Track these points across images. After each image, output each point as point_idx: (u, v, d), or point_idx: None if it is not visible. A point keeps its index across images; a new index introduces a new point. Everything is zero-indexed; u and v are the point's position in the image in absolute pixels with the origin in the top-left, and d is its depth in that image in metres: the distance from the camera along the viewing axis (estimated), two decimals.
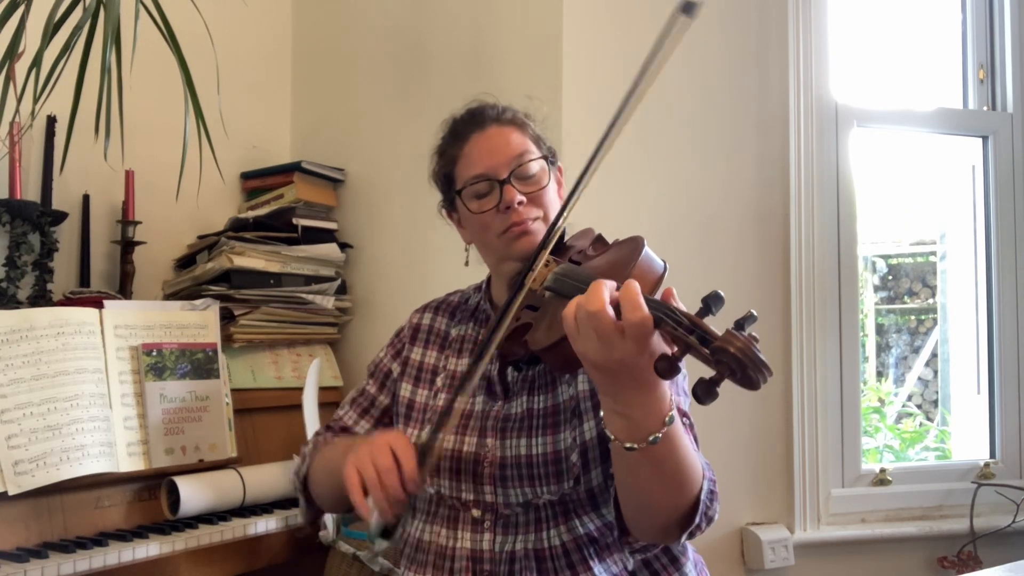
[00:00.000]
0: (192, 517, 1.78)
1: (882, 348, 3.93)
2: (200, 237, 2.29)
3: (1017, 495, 2.32)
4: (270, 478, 1.93)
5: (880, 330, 3.93)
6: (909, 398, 3.77)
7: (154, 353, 1.85)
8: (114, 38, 1.63)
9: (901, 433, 3.22)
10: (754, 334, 0.94)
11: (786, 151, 2.21)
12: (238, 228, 2.25)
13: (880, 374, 3.86)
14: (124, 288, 2.17)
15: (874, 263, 3.94)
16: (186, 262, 2.31)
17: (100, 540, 1.62)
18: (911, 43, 2.69)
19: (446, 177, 1.42)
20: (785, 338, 2.18)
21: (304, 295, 2.27)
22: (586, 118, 2.04)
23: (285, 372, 2.21)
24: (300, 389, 2.05)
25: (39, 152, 2.08)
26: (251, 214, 2.32)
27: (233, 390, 2.00)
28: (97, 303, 1.84)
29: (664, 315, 0.99)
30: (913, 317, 4.05)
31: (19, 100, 1.62)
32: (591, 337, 1.01)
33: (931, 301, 3.90)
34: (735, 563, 2.13)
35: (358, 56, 2.49)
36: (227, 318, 2.10)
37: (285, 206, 2.34)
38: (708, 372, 0.96)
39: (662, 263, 1.18)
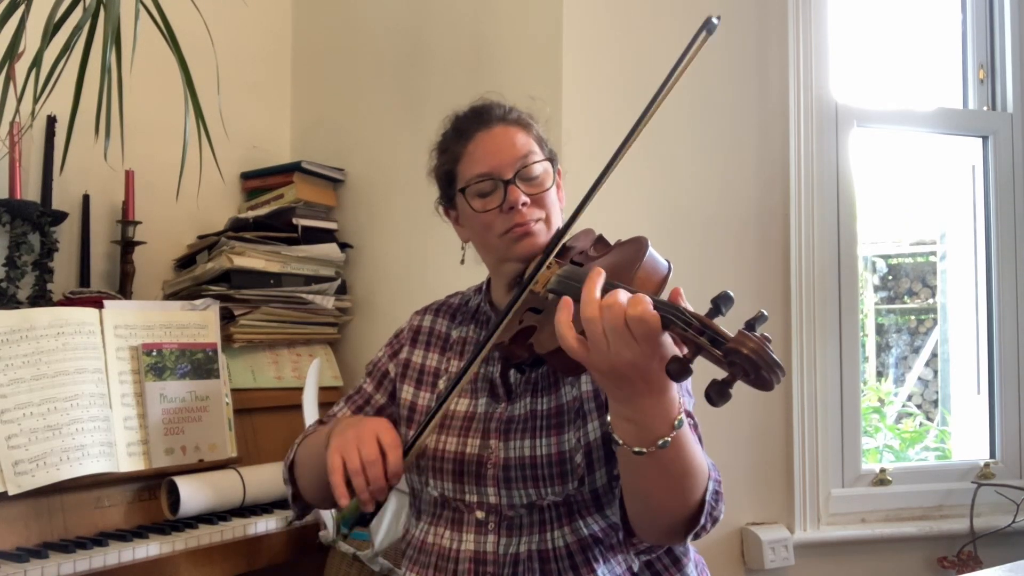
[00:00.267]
0: (192, 517, 1.78)
1: (882, 348, 3.93)
2: (200, 237, 2.29)
3: (1017, 495, 2.32)
4: (270, 478, 1.93)
5: (880, 330, 3.93)
6: (909, 398, 3.77)
7: (154, 353, 1.85)
8: (114, 38, 1.63)
9: (901, 433, 3.22)
10: (767, 334, 0.94)
11: (786, 151, 2.21)
12: (238, 228, 2.25)
13: (880, 374, 3.86)
14: (124, 288, 2.17)
15: (874, 263, 3.94)
16: (186, 262, 2.31)
17: (100, 540, 1.62)
18: (911, 43, 2.69)
19: (447, 174, 1.41)
20: (785, 338, 2.18)
21: (304, 295, 2.27)
22: (586, 118, 2.04)
23: (285, 372, 2.21)
24: (300, 389, 2.05)
25: (39, 152, 2.08)
26: (251, 214, 2.32)
27: (233, 390, 2.00)
28: (97, 303, 1.84)
29: (673, 316, 0.98)
30: (913, 317, 4.05)
31: (19, 100, 1.62)
32: (601, 341, 1.00)
33: (931, 301, 3.90)
34: (735, 563, 2.13)
35: (358, 56, 2.49)
36: (227, 318, 2.10)
37: (285, 206, 2.34)
38: (718, 373, 0.95)
39: (666, 263, 1.18)
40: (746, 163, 2.19)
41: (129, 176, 2.15)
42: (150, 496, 1.80)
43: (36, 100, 1.61)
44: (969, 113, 2.49)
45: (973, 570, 1.92)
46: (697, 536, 1.17)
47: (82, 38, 1.66)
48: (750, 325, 0.94)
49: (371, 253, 2.43)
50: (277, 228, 2.29)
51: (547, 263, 1.26)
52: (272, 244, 2.23)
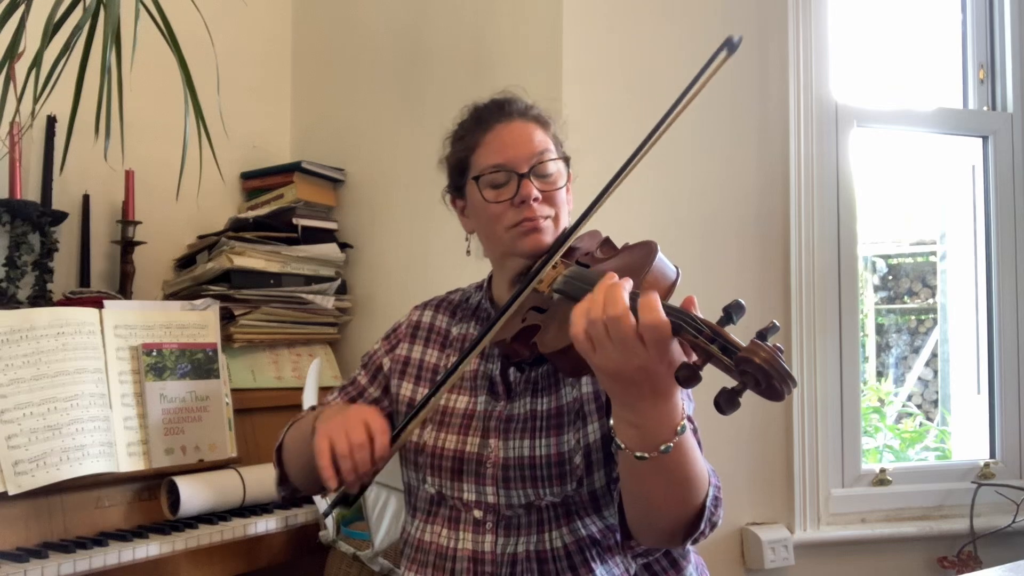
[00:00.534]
0: (192, 517, 1.78)
1: (882, 348, 3.93)
2: (200, 237, 2.29)
3: (1017, 495, 2.32)
4: (270, 478, 1.91)
5: (880, 330, 3.93)
6: (909, 398, 3.78)
7: (154, 353, 1.85)
8: (114, 38, 1.63)
9: (901, 433, 3.22)
10: (779, 345, 0.94)
11: (786, 151, 2.21)
12: (238, 228, 2.25)
13: (880, 374, 3.87)
14: (124, 288, 2.17)
15: (874, 263, 3.94)
16: (186, 262, 2.31)
17: (100, 540, 1.62)
18: (911, 43, 2.69)
19: (461, 162, 1.40)
20: (785, 338, 2.18)
21: (304, 295, 2.27)
22: (586, 118, 2.04)
23: (285, 372, 2.21)
24: (300, 389, 2.05)
25: (39, 152, 2.08)
26: (251, 214, 2.32)
27: (233, 390, 2.00)
28: (97, 303, 1.84)
29: (684, 323, 0.98)
30: (913, 317, 4.05)
31: (19, 100, 1.62)
32: (607, 344, 1.00)
33: (931, 301, 3.90)
34: (735, 563, 2.13)
35: (358, 56, 2.49)
36: (227, 318, 2.10)
37: (285, 206, 2.34)
38: (725, 381, 0.95)
39: (675, 269, 1.18)
40: (746, 163, 2.19)
41: (129, 176, 2.15)
42: (150, 496, 1.80)
43: (36, 100, 1.61)
44: (969, 113, 2.49)
45: (973, 570, 1.92)
46: (696, 541, 1.17)
47: (82, 38, 1.66)
48: (762, 335, 0.94)
49: (371, 253, 2.43)
50: (277, 228, 2.29)
51: (553, 262, 1.26)
52: (272, 244, 2.23)
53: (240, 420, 2.00)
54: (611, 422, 1.08)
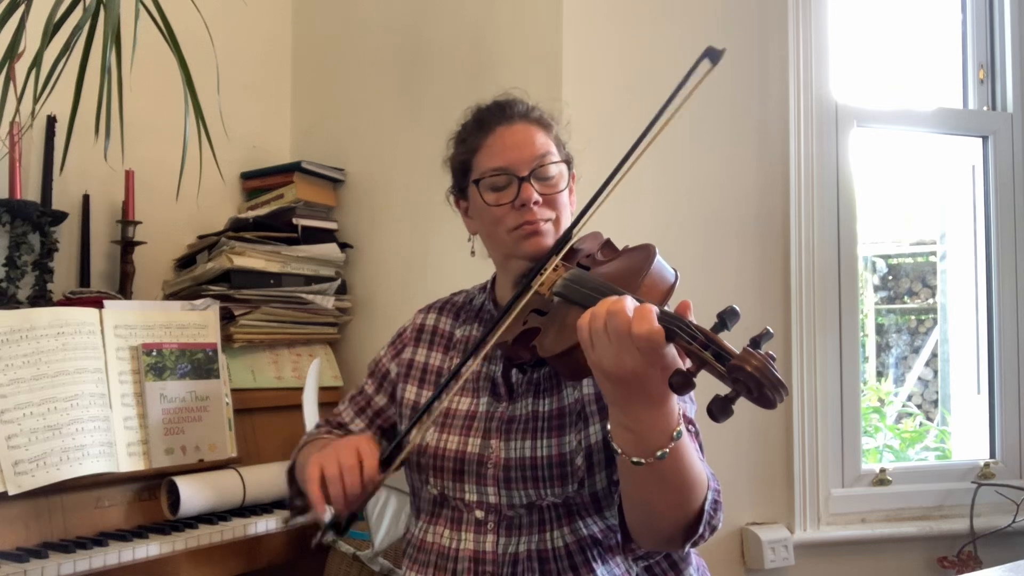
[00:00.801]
0: (192, 517, 1.78)
1: (882, 348, 3.93)
2: (200, 237, 2.29)
3: (1017, 495, 2.32)
4: (270, 478, 1.93)
5: (880, 330, 3.93)
6: (909, 398, 3.78)
7: (154, 353, 1.85)
8: (114, 38, 1.63)
9: (901, 433, 3.22)
10: (771, 352, 0.94)
11: (786, 151, 2.21)
12: (238, 228, 2.25)
13: (880, 374, 3.87)
14: (124, 288, 2.17)
15: (874, 263, 3.94)
16: (186, 262, 2.31)
17: (100, 540, 1.62)
18: (911, 43, 2.69)
19: (463, 164, 1.41)
20: (785, 338, 2.18)
21: (304, 295, 2.27)
22: (586, 118, 2.03)
23: (285, 372, 2.21)
24: (300, 389, 2.05)
25: (39, 152, 2.08)
26: (251, 214, 2.32)
27: (233, 390, 2.00)
28: (97, 303, 1.84)
29: (678, 329, 0.98)
30: (913, 317, 4.05)
31: (19, 100, 1.62)
32: (606, 346, 1.00)
33: (931, 301, 3.90)
34: (735, 563, 2.13)
35: (358, 56, 2.49)
36: (227, 318, 2.10)
37: (285, 206, 2.34)
38: (721, 387, 0.95)
39: (673, 272, 1.18)
40: (746, 163, 2.19)
41: (129, 176, 2.15)
42: (150, 496, 1.80)
43: (36, 100, 1.61)
44: (969, 113, 2.49)
45: (973, 570, 1.92)
46: (695, 544, 1.17)
47: (82, 38, 1.66)
48: (755, 342, 0.94)
49: (371, 253, 2.43)
50: (277, 228, 2.29)
51: (554, 265, 1.26)
52: (272, 244, 2.23)
53: (240, 420, 2.00)
54: (609, 427, 1.09)
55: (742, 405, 0.97)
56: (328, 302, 2.32)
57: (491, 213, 1.34)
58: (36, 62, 1.57)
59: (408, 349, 1.48)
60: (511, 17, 2.17)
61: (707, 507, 1.13)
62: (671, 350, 1.00)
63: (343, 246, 2.41)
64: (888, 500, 2.27)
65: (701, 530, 1.13)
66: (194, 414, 1.88)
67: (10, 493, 1.55)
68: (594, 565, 1.26)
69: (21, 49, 1.62)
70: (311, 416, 2.01)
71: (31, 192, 2.05)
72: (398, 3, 2.41)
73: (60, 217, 2.06)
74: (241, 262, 2.15)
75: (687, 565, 1.35)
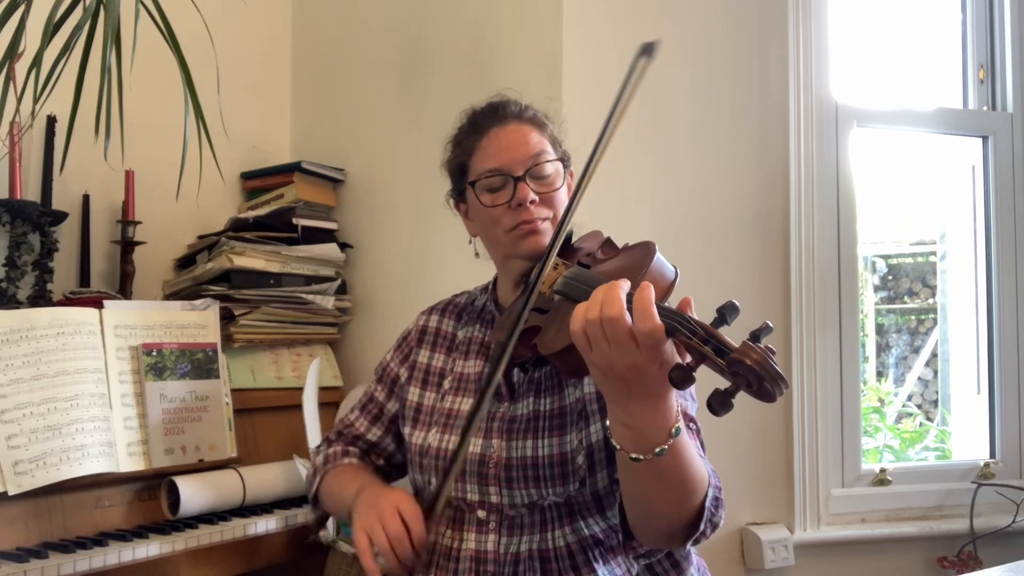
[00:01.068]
0: (192, 517, 1.78)
1: (882, 348, 3.93)
2: (200, 237, 2.29)
3: (1017, 495, 2.32)
4: (270, 478, 1.93)
5: (880, 330, 3.93)
6: (909, 398, 3.78)
7: (154, 353, 1.85)
8: (114, 38, 1.63)
9: (901, 433, 3.22)
10: (770, 346, 0.94)
11: (786, 151, 2.21)
12: (238, 228, 2.25)
13: (880, 374, 3.87)
14: (124, 288, 2.17)
15: (874, 263, 3.94)
16: (186, 262, 2.31)
17: (100, 540, 1.62)
18: (911, 43, 2.69)
19: (460, 167, 1.41)
20: (785, 338, 2.18)
21: (304, 295, 2.27)
22: (586, 118, 2.03)
23: (285, 372, 2.21)
24: (300, 389, 2.05)
25: (39, 152, 2.08)
26: (251, 214, 2.32)
27: (233, 390, 2.00)
28: (97, 303, 1.84)
29: (678, 324, 0.98)
30: (913, 317, 4.05)
31: (19, 100, 1.62)
32: (602, 342, 1.00)
33: (931, 301, 3.90)
34: (735, 563, 2.13)
35: (358, 56, 2.49)
36: (227, 318, 2.10)
37: (285, 206, 2.34)
38: (721, 382, 0.95)
39: (673, 269, 1.18)
40: (746, 163, 2.19)
41: (129, 176, 2.15)
42: (150, 496, 1.80)
43: (36, 100, 1.61)
44: (969, 113, 2.49)
45: (973, 570, 1.92)
46: (697, 542, 1.17)
47: (82, 38, 1.66)
48: (755, 336, 0.95)
49: (371, 253, 2.43)
50: (277, 228, 2.29)
51: (554, 264, 1.26)
52: (272, 244, 2.23)
53: (240, 420, 2.00)
54: (607, 423, 1.09)
55: (742, 406, 0.97)
56: (328, 302, 2.32)
57: (488, 214, 1.35)
58: (36, 62, 1.57)
59: (414, 351, 1.49)
60: (511, 17, 2.17)
61: (708, 504, 1.13)
62: (669, 346, 1.00)
63: (343, 246, 2.41)
64: (888, 500, 2.27)
65: (702, 527, 1.14)
66: (194, 414, 1.88)
67: (10, 493, 1.55)
68: (595, 565, 1.27)
69: (21, 49, 1.62)
70: (311, 416, 2.01)
71: (31, 192, 2.05)
72: (398, 3, 2.41)
73: (60, 217, 2.06)
74: (241, 262, 2.15)
75: (689, 564, 1.35)
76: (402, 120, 2.36)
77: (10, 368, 1.62)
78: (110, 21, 1.61)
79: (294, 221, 2.31)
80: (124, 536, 1.66)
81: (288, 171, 2.39)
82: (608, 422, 1.08)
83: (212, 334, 1.97)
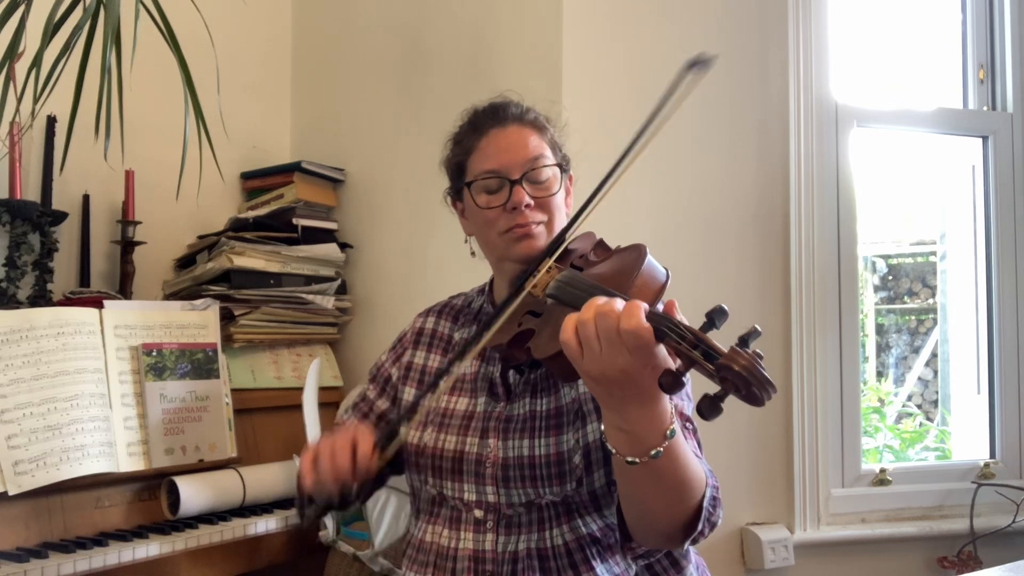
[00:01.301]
0: (192, 517, 1.78)
1: (882, 348, 3.93)
2: (200, 237, 2.29)
3: (1017, 495, 2.32)
4: (270, 478, 1.93)
5: (880, 330, 3.93)
6: (909, 398, 3.78)
7: (154, 353, 1.85)
8: (114, 38, 1.63)
9: (901, 433, 3.22)
10: (758, 351, 0.94)
11: (786, 151, 2.21)
12: (238, 228, 2.25)
13: (880, 374, 3.87)
14: (124, 288, 2.17)
15: (874, 263, 3.94)
16: (186, 262, 2.31)
17: (100, 540, 1.62)
18: (911, 43, 2.69)
19: (458, 166, 1.41)
20: (785, 338, 2.18)
21: (304, 295, 2.27)
22: (585, 118, 2.04)
23: (285, 372, 2.21)
24: (300, 389, 2.05)
25: (39, 152, 2.08)
26: (251, 214, 2.32)
27: (233, 390, 2.00)
28: (97, 303, 1.84)
29: (667, 329, 0.98)
30: (913, 317, 4.05)
31: (19, 100, 1.62)
32: (594, 343, 1.01)
33: (931, 301, 3.90)
34: (735, 563, 2.13)
35: (358, 56, 2.49)
36: (227, 318, 2.10)
37: (285, 206, 2.34)
38: (712, 386, 0.95)
39: (664, 271, 1.18)
40: (746, 163, 2.19)
41: (129, 176, 2.15)
42: (150, 496, 1.80)
43: (36, 100, 1.61)
44: (969, 113, 2.49)
45: (973, 570, 1.92)
46: (695, 542, 1.17)
47: (82, 38, 1.66)
48: (743, 341, 0.95)
49: (371, 253, 2.43)
50: (277, 228, 2.29)
51: (547, 267, 1.26)
52: (272, 244, 2.23)
53: (240, 420, 2.00)
54: (602, 427, 1.09)
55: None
56: (328, 302, 2.32)
57: (483, 215, 1.35)
58: (36, 62, 1.57)
59: (408, 352, 1.49)
60: (511, 17, 2.17)
61: (706, 504, 1.13)
62: (661, 350, 1.01)
63: (343, 246, 2.41)
64: (888, 500, 2.27)
65: (700, 527, 1.14)
66: (194, 414, 1.88)
67: (10, 493, 1.55)
68: (593, 563, 1.27)
69: (21, 49, 1.62)
70: (311, 416, 2.01)
71: (31, 192, 2.05)
72: (398, 3, 2.41)
73: (60, 217, 2.06)
74: (241, 262, 2.15)
75: (687, 563, 1.35)
76: (402, 120, 2.36)
77: (10, 368, 1.62)
78: (110, 21, 1.61)
79: (294, 221, 2.31)
80: (124, 536, 1.66)
81: (288, 171, 2.39)
82: (603, 426, 1.09)
83: (212, 334, 1.97)
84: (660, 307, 1.06)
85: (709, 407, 0.94)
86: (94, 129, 1.63)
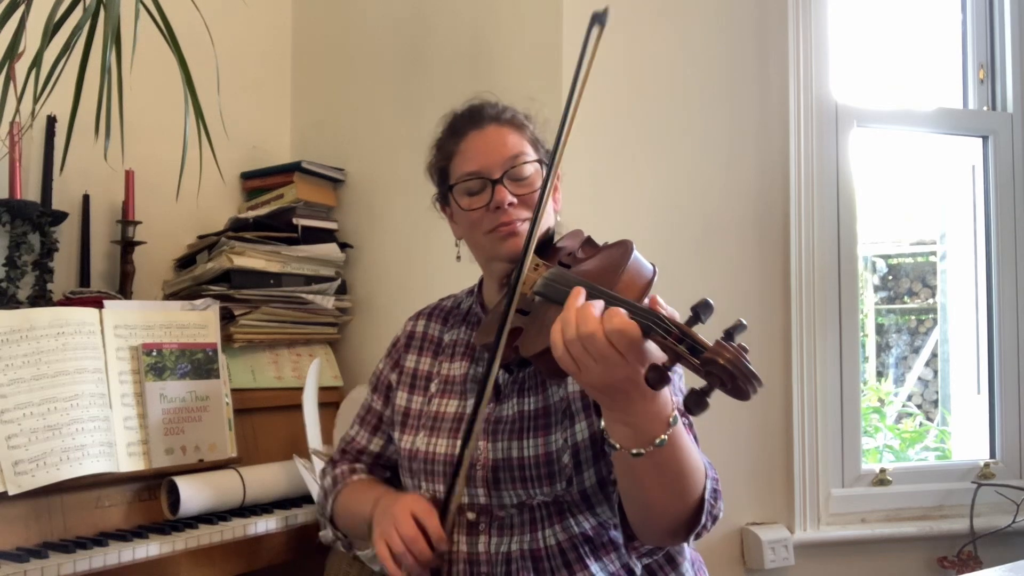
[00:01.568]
0: (192, 517, 1.78)
1: (882, 348, 3.93)
2: (200, 237, 2.29)
3: (1017, 495, 2.32)
4: (270, 478, 1.93)
5: (880, 330, 3.93)
6: (909, 398, 3.78)
7: (154, 353, 1.85)
8: (114, 38, 1.63)
9: (901, 433, 3.22)
10: (743, 344, 0.94)
11: (786, 151, 2.21)
12: (238, 228, 2.25)
13: (880, 374, 3.87)
14: (124, 288, 2.17)
15: (874, 263, 3.94)
16: (186, 262, 2.31)
17: (100, 540, 1.62)
18: (911, 43, 2.69)
19: (441, 171, 1.42)
20: (785, 338, 2.18)
21: (304, 295, 2.27)
22: (585, 118, 2.03)
23: (285, 372, 2.21)
24: (300, 389, 2.05)
25: (39, 152, 2.08)
26: (251, 214, 2.32)
27: (233, 390, 2.00)
28: (97, 303, 1.84)
29: (653, 324, 0.99)
30: (913, 317, 4.05)
31: (19, 100, 1.62)
32: (588, 360, 1.01)
33: (931, 301, 3.90)
34: (735, 563, 2.13)
35: (358, 55, 2.49)
36: (227, 318, 2.10)
37: (285, 206, 2.34)
38: (700, 381, 0.96)
39: (651, 267, 1.18)
40: (746, 163, 2.19)
41: (129, 176, 2.15)
42: (150, 496, 1.80)
43: (36, 100, 1.61)
44: (969, 113, 2.49)
45: (973, 570, 1.92)
46: (698, 536, 1.17)
47: (82, 38, 1.66)
48: (728, 334, 0.95)
49: (371, 253, 2.43)
50: (277, 228, 2.29)
51: (534, 264, 1.26)
52: (272, 244, 2.23)
53: (240, 420, 2.00)
54: (603, 424, 1.09)
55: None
56: (328, 302, 2.32)
57: (468, 217, 1.36)
58: (36, 62, 1.57)
59: (403, 357, 1.50)
60: (511, 16, 2.17)
61: (707, 496, 1.14)
62: (652, 345, 1.01)
63: (343, 246, 2.41)
64: (888, 500, 2.27)
65: (703, 520, 1.14)
66: (194, 414, 1.88)
67: (10, 493, 1.55)
68: (587, 562, 1.27)
69: (21, 49, 1.62)
70: (311, 416, 2.01)
71: (31, 192, 2.05)
72: (398, 3, 2.41)
73: (60, 217, 2.06)
74: (241, 262, 2.15)
75: (683, 559, 1.36)
76: (402, 120, 2.36)
77: (10, 368, 1.62)
78: (110, 21, 1.61)
79: (294, 221, 2.31)
80: (124, 536, 1.66)
81: (288, 171, 2.39)
82: (604, 424, 1.09)
83: (212, 334, 1.97)
84: (646, 302, 1.06)
85: (695, 402, 0.95)
86: (94, 129, 1.63)
